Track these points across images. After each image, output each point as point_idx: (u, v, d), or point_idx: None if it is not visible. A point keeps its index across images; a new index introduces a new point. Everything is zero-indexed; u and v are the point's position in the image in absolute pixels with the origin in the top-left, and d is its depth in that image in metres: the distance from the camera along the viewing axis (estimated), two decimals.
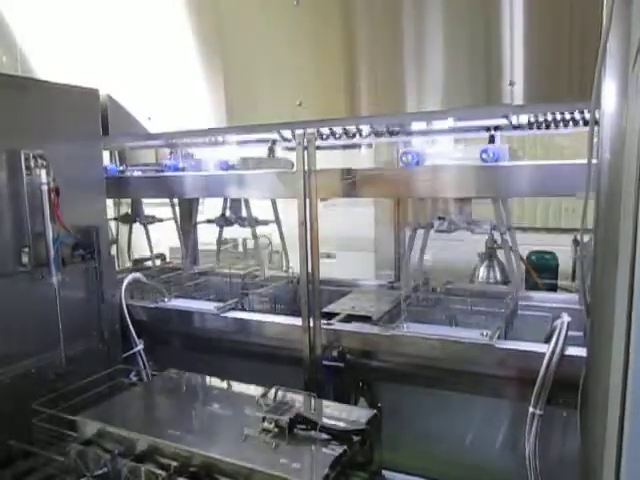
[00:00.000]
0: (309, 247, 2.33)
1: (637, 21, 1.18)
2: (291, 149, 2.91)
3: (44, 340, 2.44)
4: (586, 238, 1.82)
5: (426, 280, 2.79)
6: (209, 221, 3.34)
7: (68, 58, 2.83)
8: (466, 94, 2.02)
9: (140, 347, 2.78)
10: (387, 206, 4.36)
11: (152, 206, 3.67)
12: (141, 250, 3.70)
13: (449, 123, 2.56)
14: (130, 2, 2.64)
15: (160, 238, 3.71)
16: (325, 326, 2.39)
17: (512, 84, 1.90)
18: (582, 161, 1.58)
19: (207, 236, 3.68)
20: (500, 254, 2.88)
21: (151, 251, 3.58)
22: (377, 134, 2.70)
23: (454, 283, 2.77)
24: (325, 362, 2.33)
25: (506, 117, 2.36)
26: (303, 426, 1.76)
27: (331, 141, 2.78)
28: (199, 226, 3.68)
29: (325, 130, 2.70)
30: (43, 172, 2.32)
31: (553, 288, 3.47)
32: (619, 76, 1.34)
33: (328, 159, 2.69)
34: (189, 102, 2.58)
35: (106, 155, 3.41)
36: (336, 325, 2.42)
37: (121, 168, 3.37)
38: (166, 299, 2.90)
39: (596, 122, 1.50)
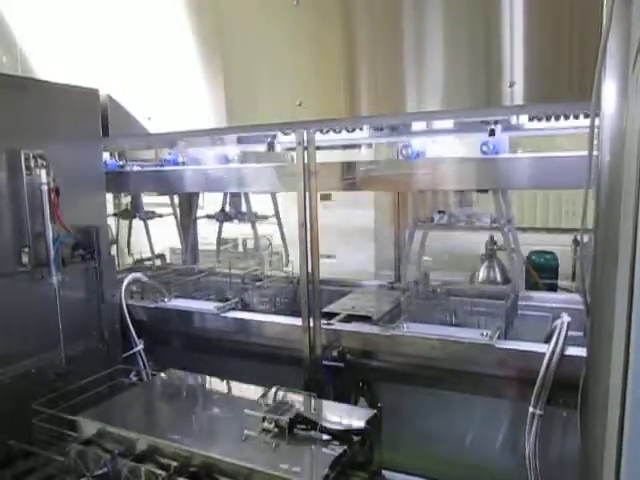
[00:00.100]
0: (309, 247, 2.33)
1: (637, 21, 1.18)
2: (291, 149, 2.92)
3: (44, 340, 2.44)
4: (586, 238, 1.82)
5: (426, 276, 2.79)
6: (209, 216, 3.34)
7: (68, 58, 2.83)
8: (466, 94, 2.02)
9: (140, 347, 2.78)
10: (387, 207, 4.36)
11: (152, 206, 3.67)
12: (140, 247, 3.69)
13: (449, 123, 2.56)
14: (130, 2, 2.64)
15: (160, 237, 3.71)
16: (325, 326, 2.39)
17: (512, 85, 1.90)
18: (581, 153, 1.58)
19: (207, 236, 3.68)
20: (500, 254, 2.88)
21: (151, 247, 3.59)
22: (377, 128, 2.71)
23: (454, 283, 2.77)
24: (325, 362, 2.33)
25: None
26: (303, 426, 1.76)
27: (331, 135, 2.78)
28: (199, 225, 3.68)
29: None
30: (43, 172, 2.32)
31: (553, 288, 3.47)
32: (619, 76, 1.34)
33: (328, 159, 2.70)
34: (189, 102, 2.58)
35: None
36: (336, 325, 2.42)
37: (121, 163, 3.37)
38: (166, 299, 2.90)
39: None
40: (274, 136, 3.10)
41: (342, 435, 1.72)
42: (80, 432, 1.90)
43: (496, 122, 2.45)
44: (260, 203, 3.36)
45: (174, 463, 1.70)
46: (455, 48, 2.00)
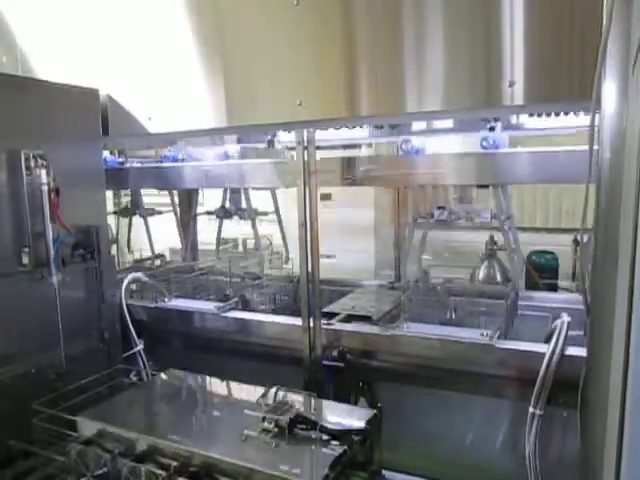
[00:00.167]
0: (309, 247, 2.33)
1: (637, 21, 1.18)
2: (292, 149, 2.92)
3: (44, 340, 2.44)
4: (586, 238, 1.82)
5: (426, 274, 2.79)
6: (209, 213, 3.34)
7: (68, 58, 2.83)
8: (466, 94, 2.02)
9: (140, 347, 2.78)
10: (387, 207, 4.37)
11: (152, 207, 3.67)
12: (140, 245, 3.69)
13: (449, 123, 2.56)
14: (130, 2, 2.64)
15: (160, 235, 3.71)
16: (325, 326, 2.39)
17: (512, 84, 1.89)
18: (582, 147, 1.59)
19: (207, 235, 3.68)
20: (500, 255, 2.88)
21: (151, 244, 3.59)
22: (377, 126, 2.71)
23: (454, 282, 2.77)
24: (325, 362, 2.33)
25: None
26: (303, 426, 1.76)
27: (331, 132, 2.77)
28: (199, 225, 3.68)
29: None
30: (43, 172, 2.32)
31: (553, 288, 3.47)
32: (619, 76, 1.34)
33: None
34: (189, 102, 2.58)
35: None
36: (336, 325, 2.42)
37: (121, 160, 3.37)
38: (166, 299, 2.90)
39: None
40: (274, 134, 3.10)
41: (342, 435, 1.72)
42: (80, 432, 1.90)
43: (496, 120, 2.45)
44: (260, 200, 3.36)
45: (174, 463, 1.70)
46: (455, 48, 2.00)
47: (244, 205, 3.28)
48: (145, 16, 2.62)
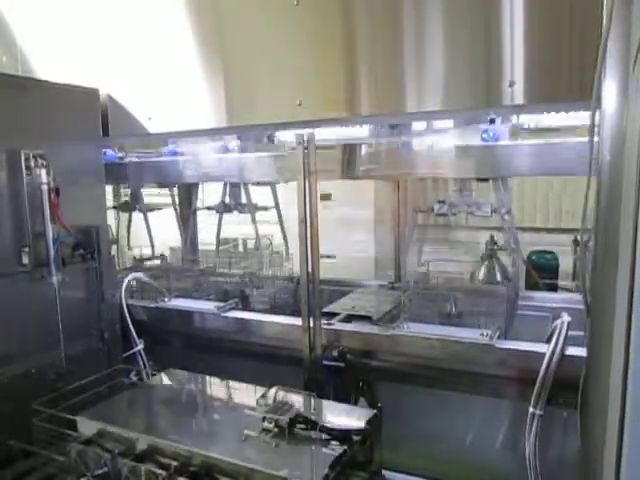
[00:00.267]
0: (309, 246, 2.33)
1: (637, 21, 1.18)
2: (292, 149, 2.91)
3: (44, 340, 2.44)
4: (586, 238, 1.82)
5: (425, 275, 2.78)
6: (209, 208, 3.34)
7: (68, 58, 2.83)
8: (466, 94, 2.02)
9: (140, 347, 2.78)
10: (387, 207, 4.36)
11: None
12: (140, 241, 3.69)
13: (449, 123, 2.55)
14: (130, 2, 2.64)
15: (160, 232, 3.71)
16: (325, 326, 2.39)
17: (512, 84, 1.90)
18: (582, 139, 1.58)
19: (207, 235, 3.68)
20: (500, 255, 2.87)
21: (151, 240, 3.58)
22: (391, 125, 2.68)
23: (454, 281, 2.76)
24: (325, 362, 2.33)
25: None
26: (303, 426, 1.76)
27: (332, 130, 2.76)
28: (199, 224, 3.67)
29: None
30: (43, 172, 2.32)
31: (553, 288, 3.47)
32: (619, 76, 1.34)
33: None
34: (189, 102, 2.58)
35: None
36: (336, 325, 2.42)
37: (120, 155, 3.36)
38: (166, 299, 2.90)
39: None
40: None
41: (342, 435, 1.72)
42: (80, 432, 1.90)
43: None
44: (260, 195, 3.35)
45: (174, 463, 1.70)
46: (455, 48, 2.00)
47: (244, 200, 3.27)
48: (145, 16, 2.62)
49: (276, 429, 1.75)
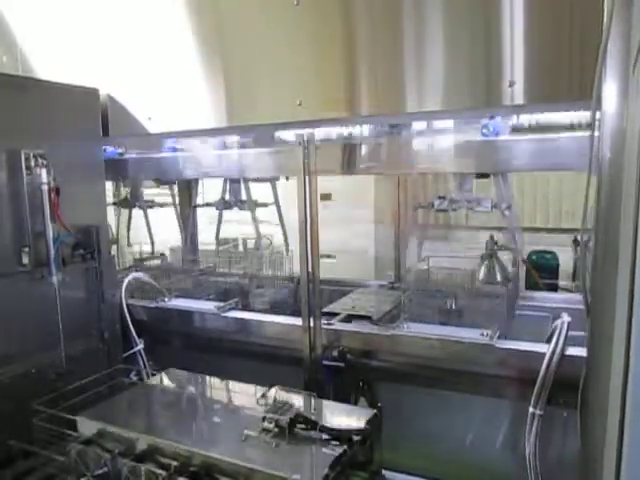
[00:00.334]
0: (309, 246, 2.33)
1: (637, 21, 1.18)
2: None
3: (44, 340, 2.44)
4: (586, 238, 1.82)
5: (426, 271, 2.78)
6: (209, 204, 3.33)
7: (68, 58, 2.83)
8: (466, 94, 2.02)
9: (140, 347, 2.78)
10: (387, 207, 4.37)
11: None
12: (140, 238, 3.68)
13: (449, 123, 2.55)
14: (130, 2, 2.64)
15: (160, 230, 3.71)
16: (325, 326, 2.39)
17: (512, 84, 1.90)
18: (583, 133, 1.58)
19: (207, 235, 3.68)
20: (500, 254, 2.87)
21: (151, 237, 3.58)
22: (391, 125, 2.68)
23: (454, 280, 2.76)
24: (325, 362, 2.33)
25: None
26: (303, 426, 1.76)
27: (331, 129, 2.77)
28: (199, 226, 3.67)
29: None
30: (43, 172, 2.32)
31: (553, 288, 3.47)
32: (619, 76, 1.34)
33: None
34: (189, 102, 2.58)
35: None
36: (336, 325, 2.42)
37: (120, 150, 3.35)
38: (166, 299, 2.90)
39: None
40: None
41: (342, 435, 1.72)
42: (80, 432, 1.90)
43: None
44: (260, 192, 3.35)
45: (174, 463, 1.70)
46: (455, 48, 2.00)
47: (244, 197, 3.26)
48: (145, 16, 2.62)
49: (276, 429, 1.75)
